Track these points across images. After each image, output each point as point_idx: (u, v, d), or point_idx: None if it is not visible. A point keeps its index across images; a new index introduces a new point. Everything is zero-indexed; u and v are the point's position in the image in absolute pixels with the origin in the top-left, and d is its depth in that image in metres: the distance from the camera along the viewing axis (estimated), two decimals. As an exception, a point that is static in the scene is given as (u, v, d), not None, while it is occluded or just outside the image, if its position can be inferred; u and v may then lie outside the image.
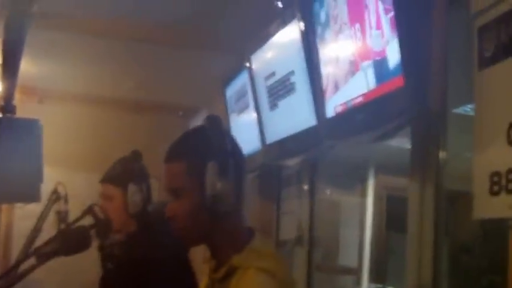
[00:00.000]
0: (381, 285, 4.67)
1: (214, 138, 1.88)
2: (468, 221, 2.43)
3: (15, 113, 3.73)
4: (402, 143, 3.11)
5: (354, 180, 4.69)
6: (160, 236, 2.52)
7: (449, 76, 2.65)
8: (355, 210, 4.75)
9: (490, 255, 2.68)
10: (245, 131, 4.62)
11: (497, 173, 2.12)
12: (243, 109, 4.68)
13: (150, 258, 2.70)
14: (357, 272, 4.67)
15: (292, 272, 4.45)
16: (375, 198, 4.66)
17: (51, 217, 3.88)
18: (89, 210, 2.71)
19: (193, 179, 1.85)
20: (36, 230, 3.78)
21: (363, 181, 4.66)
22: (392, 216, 4.63)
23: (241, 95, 4.64)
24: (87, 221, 2.66)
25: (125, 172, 2.95)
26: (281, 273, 1.84)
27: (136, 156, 3.00)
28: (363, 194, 4.71)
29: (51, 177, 3.98)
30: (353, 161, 4.34)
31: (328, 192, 4.65)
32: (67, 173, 5.72)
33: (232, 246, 1.88)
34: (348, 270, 4.70)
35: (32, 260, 2.12)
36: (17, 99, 4.91)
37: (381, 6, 2.67)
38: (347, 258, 4.76)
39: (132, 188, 2.86)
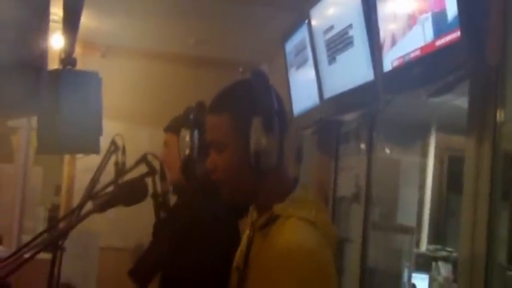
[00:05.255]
0: (439, 246, 4.63)
1: (260, 93, 1.83)
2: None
3: (75, 66, 3.75)
4: (465, 102, 3.05)
5: (414, 138, 4.65)
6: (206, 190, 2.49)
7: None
8: (415, 169, 4.70)
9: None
10: (304, 85, 4.60)
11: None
12: (301, 64, 4.65)
13: (193, 212, 2.68)
14: (414, 231, 4.63)
15: (348, 229, 4.45)
16: (435, 158, 4.60)
17: (110, 169, 3.94)
18: (142, 159, 2.72)
19: (237, 134, 1.82)
20: (94, 181, 3.83)
21: (424, 140, 4.61)
22: (453, 177, 4.56)
23: (301, 49, 4.60)
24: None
25: (182, 120, 2.93)
26: (321, 222, 1.82)
27: (200, 107, 2.96)
28: (424, 153, 4.65)
29: (111, 130, 4.02)
30: (414, 120, 4.30)
31: (388, 150, 4.61)
32: (129, 126, 5.83)
33: (275, 198, 1.85)
34: (405, 229, 4.67)
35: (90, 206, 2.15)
36: (80, 53, 4.97)
37: (440, -42, 2.60)
38: (405, 218, 4.73)
39: (183, 133, 2.83)
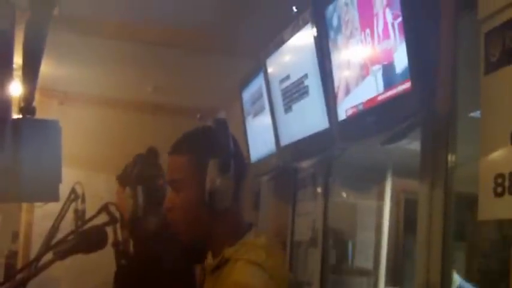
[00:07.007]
0: (397, 288, 4.68)
1: (219, 138, 1.94)
2: (486, 226, 2.43)
3: (35, 115, 3.76)
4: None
5: (371, 182, 4.70)
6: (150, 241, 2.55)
7: (466, 81, 2.67)
8: (371, 212, 4.76)
9: (507, 260, 2.68)
10: (261, 133, 4.66)
11: (501, 175, 2.14)
12: (258, 112, 4.72)
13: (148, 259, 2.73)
14: (372, 274, 4.68)
15: (306, 273, 4.49)
16: (392, 201, 4.67)
17: (69, 216, 3.94)
18: (103, 209, 2.75)
19: (194, 173, 1.91)
20: (54, 229, 3.83)
21: (380, 184, 4.67)
22: (410, 220, 4.62)
23: (257, 97, 4.68)
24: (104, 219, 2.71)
25: (127, 174, 2.98)
26: (270, 266, 1.86)
27: (150, 154, 3.01)
28: (380, 197, 4.71)
29: (70, 178, 4.01)
30: (370, 164, 4.36)
31: (344, 194, 4.67)
32: (86, 173, 5.81)
33: (227, 241, 1.93)
34: (362, 272, 4.72)
35: (50, 256, 2.17)
36: (38, 101, 4.96)
37: (389, 12, 2.70)
38: (363, 260, 4.77)
39: (127, 191, 2.89)
